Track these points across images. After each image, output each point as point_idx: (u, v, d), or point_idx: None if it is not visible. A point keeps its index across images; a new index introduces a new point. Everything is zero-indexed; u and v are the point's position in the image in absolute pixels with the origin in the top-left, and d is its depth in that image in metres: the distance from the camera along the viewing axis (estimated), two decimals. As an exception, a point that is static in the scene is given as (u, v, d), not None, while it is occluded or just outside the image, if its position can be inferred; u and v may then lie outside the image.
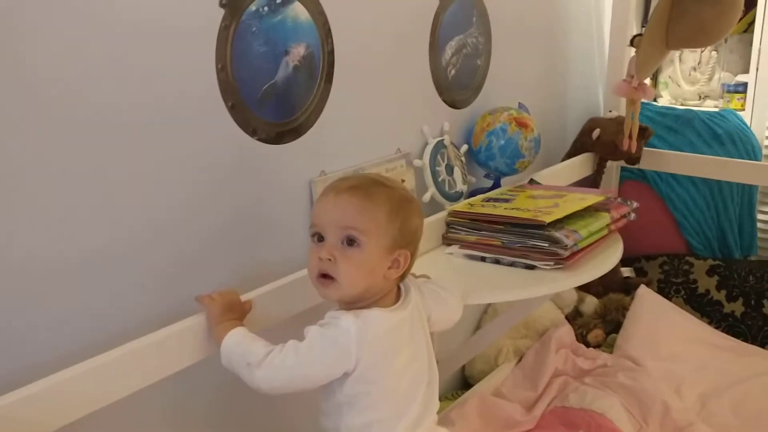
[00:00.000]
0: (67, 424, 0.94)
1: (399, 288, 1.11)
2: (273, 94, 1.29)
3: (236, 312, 1.09)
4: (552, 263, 1.41)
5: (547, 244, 1.42)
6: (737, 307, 2.19)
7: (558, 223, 1.45)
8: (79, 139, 1.01)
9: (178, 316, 1.08)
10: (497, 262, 1.48)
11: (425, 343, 1.12)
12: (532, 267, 1.43)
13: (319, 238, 1.04)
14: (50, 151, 0.98)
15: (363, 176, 1.18)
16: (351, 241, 1.02)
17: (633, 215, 1.64)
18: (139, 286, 1.14)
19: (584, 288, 2.27)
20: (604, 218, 1.54)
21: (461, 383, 2.05)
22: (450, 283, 1.21)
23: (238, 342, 1.02)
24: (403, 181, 1.64)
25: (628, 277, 2.37)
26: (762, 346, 2.08)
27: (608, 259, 1.49)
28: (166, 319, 1.09)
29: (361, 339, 0.99)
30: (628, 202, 1.65)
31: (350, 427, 1.03)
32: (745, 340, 2.09)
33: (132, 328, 1.07)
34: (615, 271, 2.30)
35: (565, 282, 1.40)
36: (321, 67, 1.37)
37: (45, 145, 0.97)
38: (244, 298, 1.14)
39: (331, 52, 1.39)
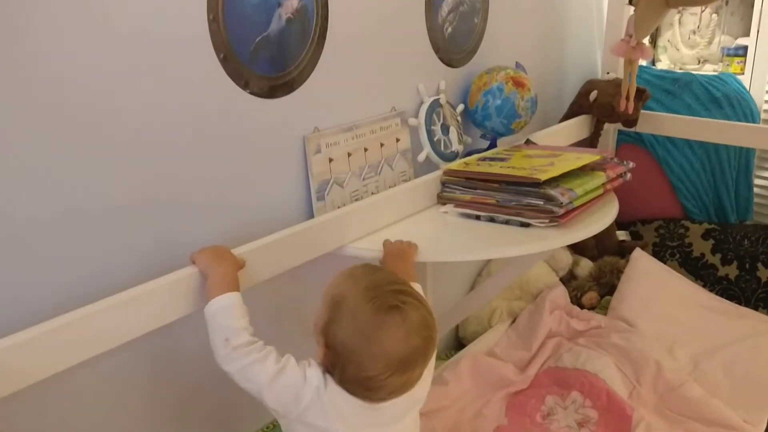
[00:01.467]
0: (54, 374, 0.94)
1: None
2: (266, 47, 1.27)
3: (228, 260, 1.08)
4: (547, 221, 1.40)
5: (542, 202, 1.41)
6: (731, 271, 2.19)
7: (553, 182, 1.44)
8: (69, 97, 1.00)
9: (166, 270, 1.07)
10: (492, 220, 1.47)
11: None
12: (526, 225, 1.42)
13: None
14: (42, 113, 0.97)
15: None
16: None
17: (629, 175, 1.63)
18: (129, 240, 1.13)
19: (579, 251, 2.27)
20: (600, 177, 1.53)
21: (454, 344, 2.06)
22: None
23: (228, 308, 1.02)
24: (398, 140, 1.62)
25: (623, 240, 2.37)
26: (755, 308, 2.09)
27: (603, 217, 1.48)
28: (154, 273, 1.07)
29: (314, 399, 0.99)
30: (624, 162, 1.64)
31: None
32: (739, 303, 2.10)
33: (120, 283, 1.06)
34: (610, 234, 2.30)
35: (560, 239, 1.39)
36: (315, 21, 1.35)
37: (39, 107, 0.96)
38: (236, 252, 1.13)
39: (325, 5, 1.36)
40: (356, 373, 0.98)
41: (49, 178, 1.00)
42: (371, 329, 0.96)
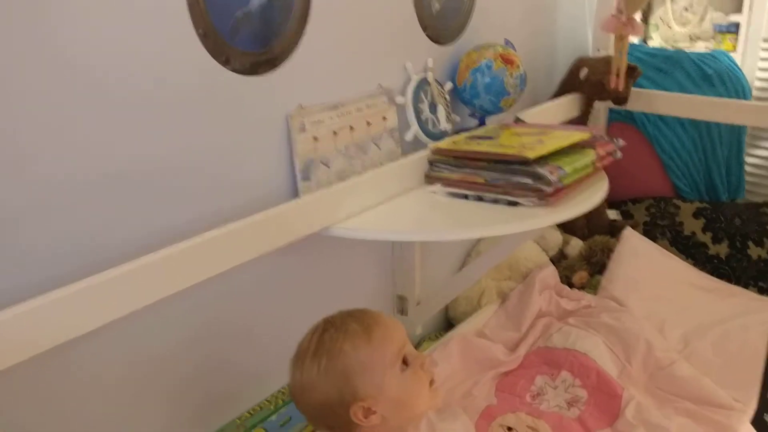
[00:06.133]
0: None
1: None
2: (247, 23, 1.23)
3: None
4: (535, 199, 1.38)
5: (530, 181, 1.39)
6: (722, 249, 2.18)
7: (542, 160, 1.42)
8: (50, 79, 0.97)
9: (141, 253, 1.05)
10: (480, 199, 1.45)
11: None
12: (515, 204, 1.40)
13: (404, 361, 1.08)
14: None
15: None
16: None
17: (619, 153, 1.61)
18: (108, 218, 1.10)
19: (569, 230, 2.26)
20: (590, 155, 1.51)
21: (444, 325, 2.04)
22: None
23: None
24: (384, 118, 1.60)
25: (614, 219, 2.35)
26: (746, 287, 2.08)
27: (593, 195, 1.46)
28: (128, 256, 1.05)
29: None
30: (614, 140, 1.62)
31: None
32: (729, 282, 2.09)
33: (101, 262, 1.04)
34: (601, 213, 2.29)
35: (549, 218, 1.37)
36: (298, -4, 1.32)
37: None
38: (216, 233, 1.11)
39: (309, -20, 1.33)
40: None
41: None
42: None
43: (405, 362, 1.07)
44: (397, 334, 1.09)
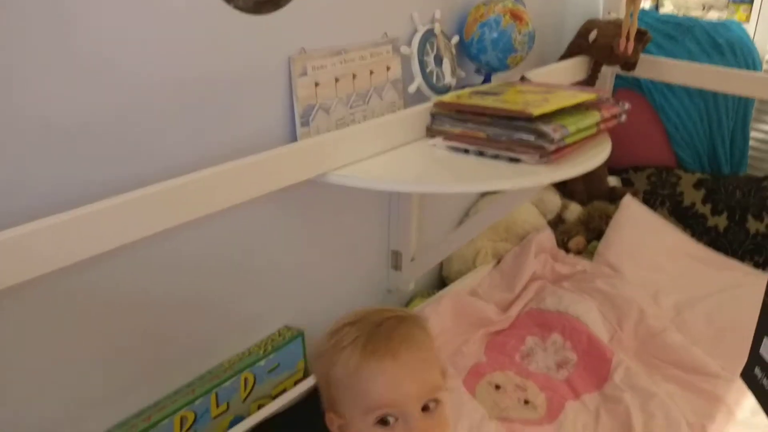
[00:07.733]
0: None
1: None
2: (251, -42, 1.20)
3: None
4: (537, 157, 1.36)
5: (533, 138, 1.36)
6: (721, 221, 2.17)
7: (546, 118, 1.40)
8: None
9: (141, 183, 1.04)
10: (481, 154, 1.43)
11: None
12: (516, 160, 1.38)
13: (383, 421, 0.87)
14: None
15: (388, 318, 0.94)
16: (435, 403, 0.89)
17: (624, 117, 1.59)
18: (106, 157, 1.09)
19: (568, 195, 2.24)
20: (594, 116, 1.49)
21: (438, 283, 2.04)
22: None
23: None
24: (388, 68, 1.57)
25: (614, 186, 2.33)
26: (742, 260, 2.07)
27: (595, 156, 1.44)
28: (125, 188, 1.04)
29: None
30: (620, 104, 1.59)
31: None
32: (726, 254, 2.08)
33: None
34: (601, 179, 2.27)
35: (549, 176, 1.35)
36: (305, -66, 1.28)
37: None
38: (208, 173, 1.09)
39: None
40: None
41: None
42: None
43: (384, 422, 0.87)
44: (384, 390, 0.87)
